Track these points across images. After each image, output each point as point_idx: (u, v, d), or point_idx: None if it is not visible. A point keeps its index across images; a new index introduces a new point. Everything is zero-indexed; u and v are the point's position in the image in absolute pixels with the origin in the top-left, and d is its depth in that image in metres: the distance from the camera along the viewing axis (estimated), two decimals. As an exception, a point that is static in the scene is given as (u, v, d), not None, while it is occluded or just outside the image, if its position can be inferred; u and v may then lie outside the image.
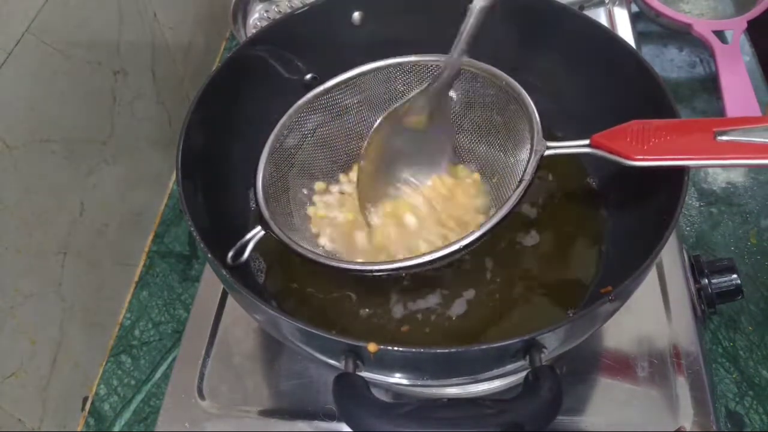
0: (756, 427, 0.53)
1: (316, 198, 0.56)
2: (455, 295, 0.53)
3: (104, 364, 0.60)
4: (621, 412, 0.51)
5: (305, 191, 0.56)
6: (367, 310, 0.53)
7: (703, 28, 0.77)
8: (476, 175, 0.56)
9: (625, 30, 0.80)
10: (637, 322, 0.55)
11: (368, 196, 0.54)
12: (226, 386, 0.55)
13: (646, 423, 0.50)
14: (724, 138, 0.43)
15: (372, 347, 0.38)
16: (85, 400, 0.58)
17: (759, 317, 0.59)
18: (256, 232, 0.49)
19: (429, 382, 0.45)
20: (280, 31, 0.58)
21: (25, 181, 0.49)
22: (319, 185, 0.57)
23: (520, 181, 0.48)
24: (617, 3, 0.83)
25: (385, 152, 0.54)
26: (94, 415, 0.58)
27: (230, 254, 0.48)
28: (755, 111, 0.70)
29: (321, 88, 0.56)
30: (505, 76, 0.53)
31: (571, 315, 0.51)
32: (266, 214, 0.50)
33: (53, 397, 0.54)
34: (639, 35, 0.81)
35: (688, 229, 0.65)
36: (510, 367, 0.41)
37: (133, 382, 0.59)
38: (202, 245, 0.44)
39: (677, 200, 0.43)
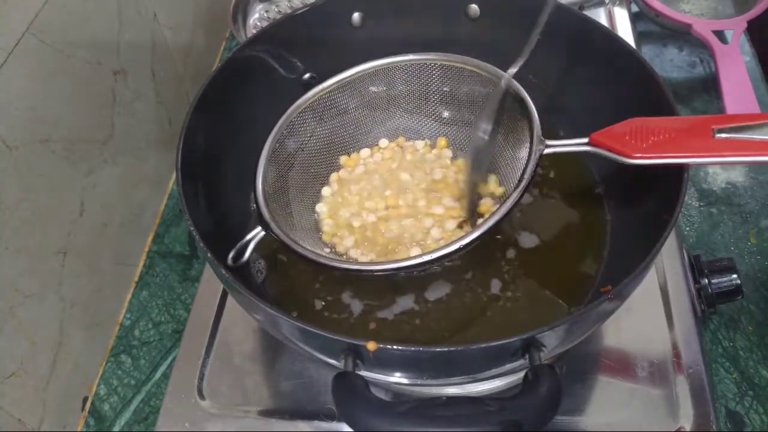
0: (756, 427, 0.53)
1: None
2: (456, 293, 0.53)
3: (104, 364, 0.60)
4: (621, 412, 0.51)
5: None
6: (367, 309, 0.53)
7: (703, 28, 0.77)
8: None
9: (625, 30, 0.80)
10: (637, 321, 0.55)
11: None
12: (226, 386, 0.55)
13: (646, 423, 0.50)
14: (723, 135, 0.43)
15: (371, 346, 0.38)
16: (85, 400, 0.58)
17: (759, 317, 0.59)
18: (257, 233, 0.49)
19: (428, 382, 0.44)
20: (280, 32, 0.58)
21: (25, 181, 0.50)
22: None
23: (520, 180, 0.48)
24: (617, 3, 0.83)
25: None
26: (94, 415, 0.58)
27: (231, 255, 0.48)
28: (755, 111, 0.70)
29: (320, 87, 0.56)
30: (504, 74, 0.53)
31: (572, 312, 0.51)
32: (266, 214, 0.50)
33: (53, 397, 0.54)
34: (639, 35, 0.81)
35: (688, 229, 0.65)
36: (509, 366, 0.41)
37: (133, 382, 0.59)
38: (202, 245, 0.44)
39: (677, 199, 0.43)
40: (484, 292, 0.53)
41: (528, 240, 0.56)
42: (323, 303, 0.53)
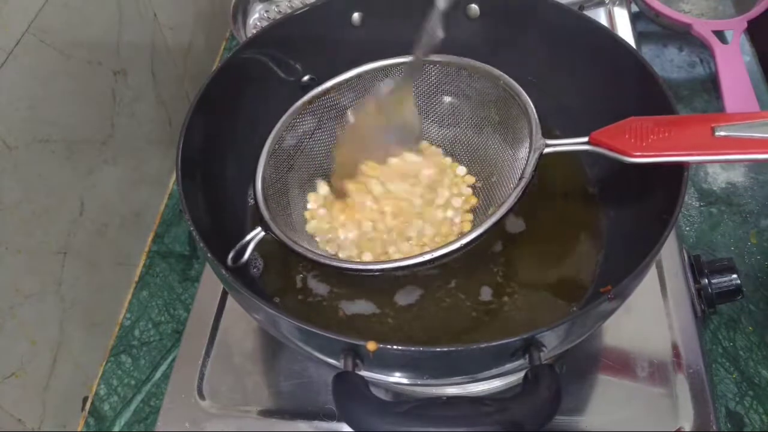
0: (756, 427, 0.53)
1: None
2: (454, 292, 0.53)
3: (104, 364, 0.60)
4: (621, 412, 0.51)
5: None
6: (366, 309, 0.53)
7: (703, 28, 0.77)
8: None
9: (625, 30, 0.80)
10: (637, 321, 0.55)
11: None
12: (226, 386, 0.55)
13: (646, 423, 0.50)
14: (722, 133, 0.44)
15: (371, 346, 0.38)
16: (85, 400, 0.58)
17: (759, 317, 0.59)
18: (256, 233, 0.49)
19: (428, 382, 0.45)
20: (279, 32, 0.58)
21: (25, 181, 0.50)
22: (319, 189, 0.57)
23: (520, 179, 0.48)
24: (617, 3, 0.83)
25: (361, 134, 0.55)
26: (94, 415, 0.58)
27: (230, 255, 0.48)
28: (755, 110, 0.70)
29: (320, 89, 0.56)
30: (503, 75, 0.53)
31: (572, 312, 0.51)
32: (266, 214, 0.50)
33: (53, 397, 0.54)
34: (639, 35, 0.81)
35: (688, 229, 0.65)
36: (509, 366, 0.41)
37: (133, 382, 0.59)
38: (202, 245, 0.44)
39: (677, 198, 0.43)
40: (482, 294, 0.53)
41: (527, 240, 0.56)
42: (323, 300, 0.54)
